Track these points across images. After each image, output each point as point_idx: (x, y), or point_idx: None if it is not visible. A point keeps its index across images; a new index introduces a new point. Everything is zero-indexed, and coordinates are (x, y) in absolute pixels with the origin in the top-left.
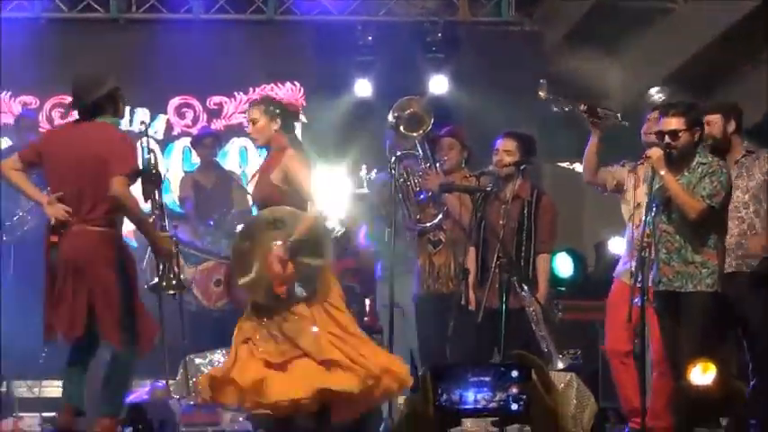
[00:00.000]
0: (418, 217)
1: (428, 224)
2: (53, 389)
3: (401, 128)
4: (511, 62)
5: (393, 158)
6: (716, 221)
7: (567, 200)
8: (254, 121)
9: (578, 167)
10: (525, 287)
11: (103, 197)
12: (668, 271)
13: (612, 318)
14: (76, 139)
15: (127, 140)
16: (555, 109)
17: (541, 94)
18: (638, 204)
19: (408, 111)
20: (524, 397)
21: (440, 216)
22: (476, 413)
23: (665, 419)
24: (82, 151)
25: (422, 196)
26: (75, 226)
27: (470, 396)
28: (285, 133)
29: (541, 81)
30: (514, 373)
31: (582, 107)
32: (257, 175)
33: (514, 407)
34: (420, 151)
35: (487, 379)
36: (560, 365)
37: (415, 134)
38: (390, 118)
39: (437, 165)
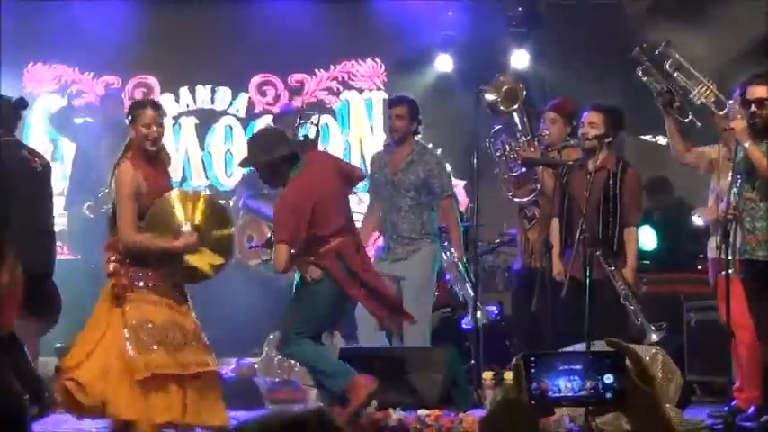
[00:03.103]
0: (512, 192)
1: (524, 199)
2: None
3: (500, 106)
4: (592, 35)
5: (491, 132)
6: None
7: (650, 173)
8: None
9: (661, 140)
10: (611, 262)
11: None
12: (752, 240)
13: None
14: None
15: None
16: (642, 77)
17: (638, 52)
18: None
19: (503, 88)
20: (617, 385)
21: (536, 192)
22: (567, 401)
23: (749, 390)
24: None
25: (516, 171)
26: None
27: (562, 384)
28: None
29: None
30: (606, 362)
31: (662, 88)
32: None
33: (608, 395)
34: (519, 125)
35: (578, 367)
36: (654, 338)
37: (512, 108)
38: (489, 96)
39: (536, 139)
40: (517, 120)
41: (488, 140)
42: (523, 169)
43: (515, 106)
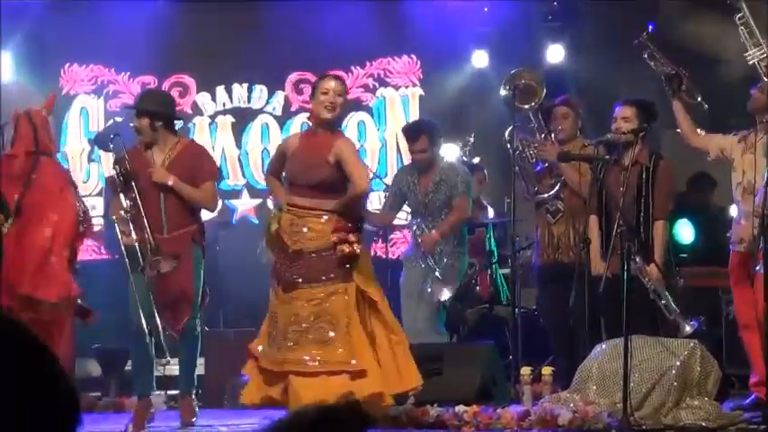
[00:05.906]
0: (536, 188)
1: (546, 195)
2: (176, 367)
3: (515, 101)
4: (628, 29)
5: (508, 130)
6: None
7: (687, 166)
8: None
9: (699, 132)
10: (638, 258)
11: None
12: None
13: (733, 288)
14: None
15: None
16: (649, 62)
17: (644, 38)
18: (744, 172)
19: (521, 82)
20: None
21: (557, 186)
22: None
23: None
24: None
25: (538, 167)
26: None
27: None
28: None
29: (651, 27)
30: None
31: (670, 71)
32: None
33: None
34: (534, 122)
35: None
36: (688, 330)
37: (527, 106)
38: (503, 91)
39: (551, 135)
40: (533, 117)
41: (505, 138)
42: (545, 165)
43: (532, 104)
